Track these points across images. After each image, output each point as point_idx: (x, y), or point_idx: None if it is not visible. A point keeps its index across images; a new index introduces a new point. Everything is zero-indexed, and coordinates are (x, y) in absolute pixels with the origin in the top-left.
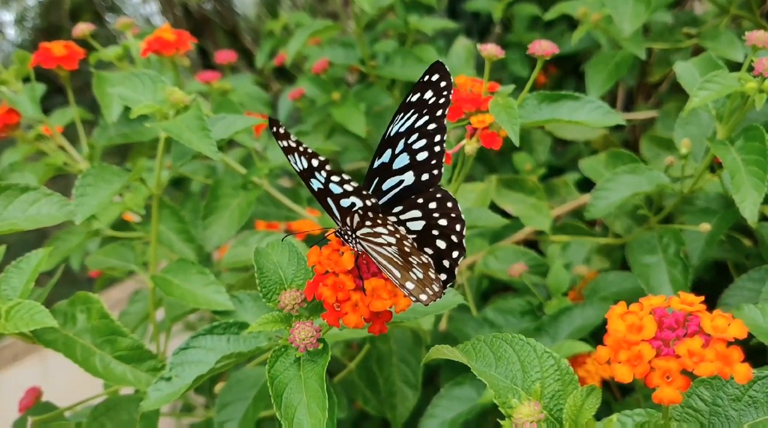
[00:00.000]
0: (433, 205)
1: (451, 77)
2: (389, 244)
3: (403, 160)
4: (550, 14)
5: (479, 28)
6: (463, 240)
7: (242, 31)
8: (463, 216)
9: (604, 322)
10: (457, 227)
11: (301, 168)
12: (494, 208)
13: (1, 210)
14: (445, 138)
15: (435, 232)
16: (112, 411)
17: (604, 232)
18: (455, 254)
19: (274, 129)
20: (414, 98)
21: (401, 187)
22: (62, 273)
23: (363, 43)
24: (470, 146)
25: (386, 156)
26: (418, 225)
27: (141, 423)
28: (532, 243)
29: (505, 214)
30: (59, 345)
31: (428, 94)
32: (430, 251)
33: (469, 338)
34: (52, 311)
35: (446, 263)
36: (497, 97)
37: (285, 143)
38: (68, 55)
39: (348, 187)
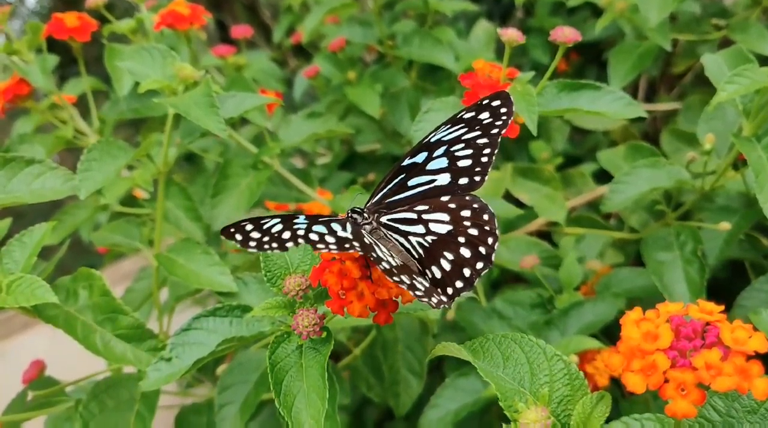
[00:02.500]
0: (466, 213)
1: (514, 107)
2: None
3: (440, 163)
4: (574, 0)
5: (501, 11)
6: (493, 255)
7: (261, 6)
8: (498, 232)
9: (615, 319)
10: (489, 240)
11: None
12: (508, 197)
13: (6, 182)
14: (495, 152)
15: (461, 239)
16: (112, 389)
17: (619, 225)
18: (480, 265)
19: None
20: (467, 116)
21: (431, 185)
22: (75, 245)
23: (381, 23)
24: None
25: (420, 157)
26: (442, 229)
27: (141, 402)
28: (546, 235)
29: (519, 203)
30: (60, 322)
31: (484, 115)
32: (450, 256)
33: (476, 328)
34: (54, 286)
35: (467, 272)
36: (516, 83)
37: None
38: (80, 27)
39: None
